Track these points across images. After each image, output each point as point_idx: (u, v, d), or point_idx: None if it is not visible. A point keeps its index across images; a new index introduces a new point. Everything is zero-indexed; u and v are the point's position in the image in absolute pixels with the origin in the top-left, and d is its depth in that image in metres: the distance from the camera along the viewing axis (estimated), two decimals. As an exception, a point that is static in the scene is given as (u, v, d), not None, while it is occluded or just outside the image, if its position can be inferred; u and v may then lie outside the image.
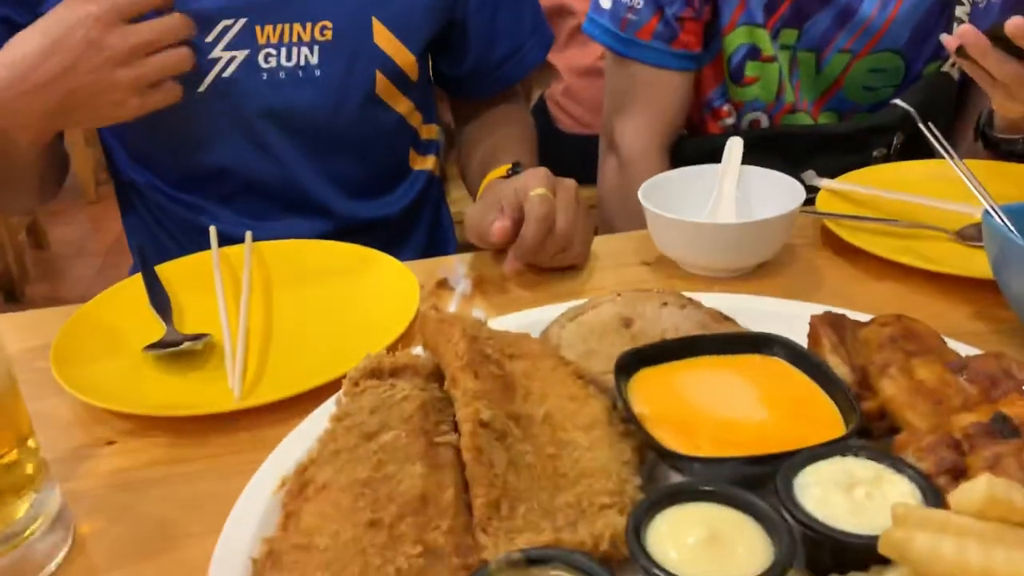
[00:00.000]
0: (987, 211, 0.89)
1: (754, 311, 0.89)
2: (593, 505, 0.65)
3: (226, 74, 1.15)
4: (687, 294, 0.90)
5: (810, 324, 0.78)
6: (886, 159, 1.39)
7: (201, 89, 1.16)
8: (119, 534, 0.73)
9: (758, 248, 1.06)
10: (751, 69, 1.37)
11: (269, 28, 1.14)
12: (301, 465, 0.72)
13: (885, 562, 0.54)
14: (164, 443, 0.83)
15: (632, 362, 0.76)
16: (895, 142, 1.39)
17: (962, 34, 0.97)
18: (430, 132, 1.42)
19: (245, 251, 1.13)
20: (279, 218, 1.29)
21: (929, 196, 1.15)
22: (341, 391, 0.79)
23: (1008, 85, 0.99)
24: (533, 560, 0.57)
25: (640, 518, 0.59)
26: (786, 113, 1.42)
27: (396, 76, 1.25)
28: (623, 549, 0.61)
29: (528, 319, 0.94)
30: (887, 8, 1.33)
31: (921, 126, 1.14)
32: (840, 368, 0.73)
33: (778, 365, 0.76)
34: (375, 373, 0.80)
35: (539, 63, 1.41)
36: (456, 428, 0.73)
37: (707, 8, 1.35)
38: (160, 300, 1.05)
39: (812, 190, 1.19)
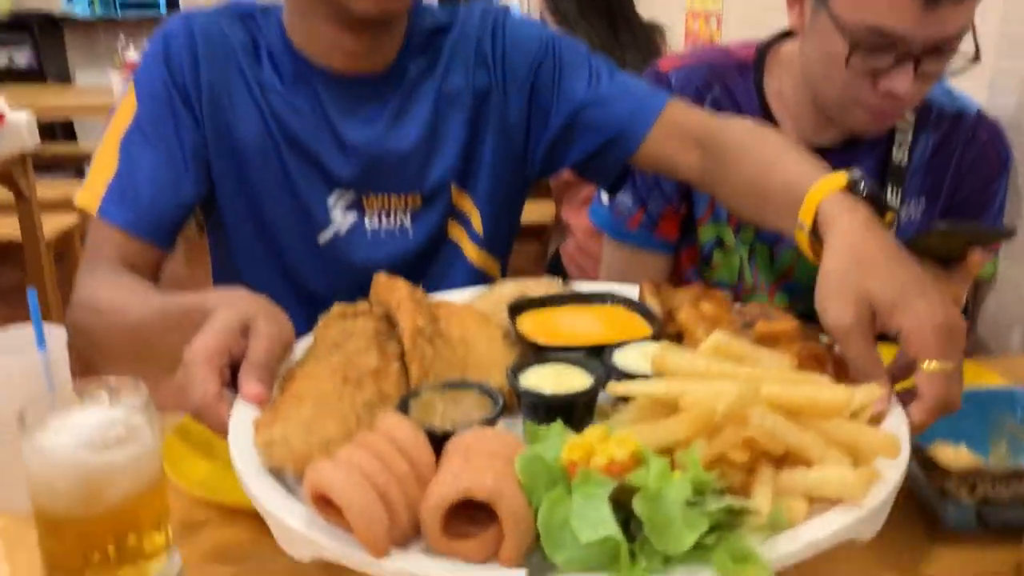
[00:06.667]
0: None
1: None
2: (491, 378, 0.99)
3: (341, 233, 1.37)
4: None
5: (640, 286, 1.16)
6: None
7: (322, 242, 1.38)
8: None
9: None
10: (717, 256, 1.64)
11: (373, 198, 1.36)
12: (289, 367, 1.05)
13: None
14: (249, 524, 1.02)
15: (521, 306, 1.12)
16: None
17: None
18: (493, 270, 1.60)
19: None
20: None
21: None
22: (316, 327, 1.13)
23: None
24: (448, 385, 0.91)
25: (516, 370, 0.94)
26: (747, 293, 1.69)
27: (467, 227, 1.45)
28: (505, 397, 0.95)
29: (448, 298, 1.29)
30: None
31: None
32: (655, 308, 1.11)
33: (616, 309, 1.13)
34: (340, 315, 1.14)
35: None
36: (399, 343, 1.07)
37: (683, 205, 1.59)
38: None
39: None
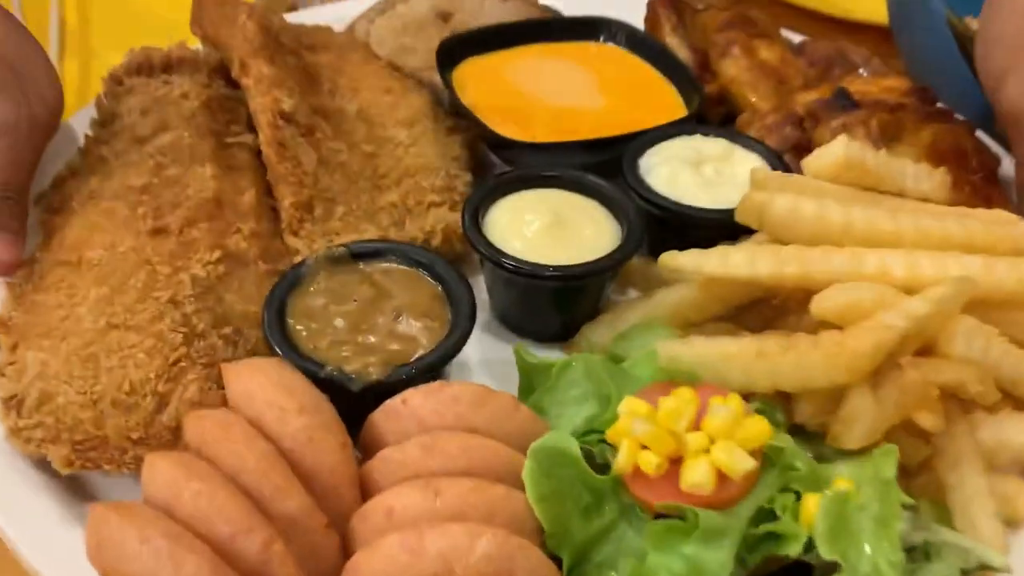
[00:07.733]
0: None
1: (587, 7, 0.78)
2: (421, 204, 0.57)
3: None
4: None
5: (648, 5, 0.70)
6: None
7: None
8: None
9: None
10: None
11: None
12: (59, 177, 0.59)
13: (733, 239, 0.51)
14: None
15: (456, 49, 0.66)
16: None
17: None
18: None
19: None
20: None
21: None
22: (100, 92, 0.64)
23: None
24: (359, 255, 0.49)
25: (476, 208, 0.52)
26: None
27: None
28: (458, 244, 0.55)
29: (327, 15, 0.79)
30: None
31: None
32: (680, 51, 0.67)
33: (615, 51, 0.69)
34: (143, 69, 0.65)
35: None
36: (251, 127, 0.61)
37: None
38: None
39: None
